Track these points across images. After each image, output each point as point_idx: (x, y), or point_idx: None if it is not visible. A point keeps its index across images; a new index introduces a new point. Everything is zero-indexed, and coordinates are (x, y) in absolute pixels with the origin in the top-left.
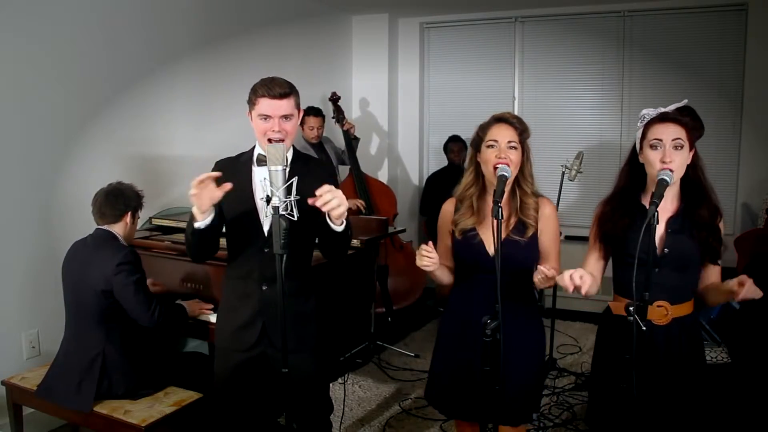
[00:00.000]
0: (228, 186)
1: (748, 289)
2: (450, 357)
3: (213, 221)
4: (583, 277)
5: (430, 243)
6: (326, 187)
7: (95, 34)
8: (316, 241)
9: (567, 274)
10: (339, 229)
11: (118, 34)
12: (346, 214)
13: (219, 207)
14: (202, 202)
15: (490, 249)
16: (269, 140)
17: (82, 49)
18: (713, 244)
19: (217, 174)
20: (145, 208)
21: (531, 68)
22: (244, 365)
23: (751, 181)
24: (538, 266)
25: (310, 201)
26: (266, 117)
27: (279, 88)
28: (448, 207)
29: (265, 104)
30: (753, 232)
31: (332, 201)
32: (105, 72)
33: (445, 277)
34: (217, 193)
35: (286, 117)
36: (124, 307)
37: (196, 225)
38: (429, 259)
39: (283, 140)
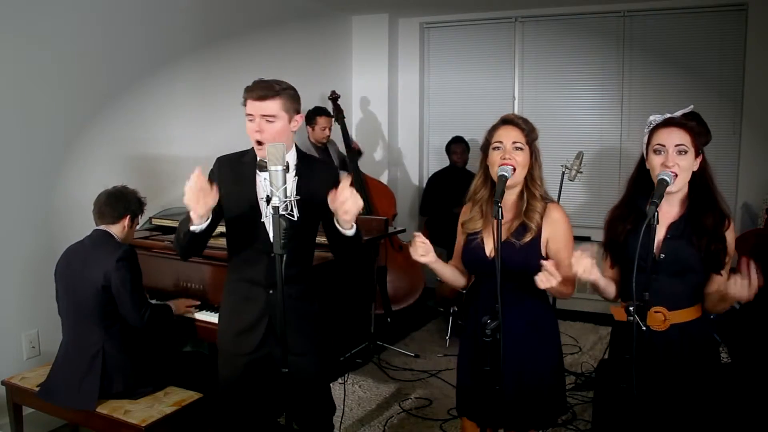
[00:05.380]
0: (215, 190)
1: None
2: (464, 360)
3: (209, 225)
4: (581, 260)
5: (421, 234)
6: (347, 187)
7: (95, 34)
8: (316, 241)
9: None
10: (350, 233)
11: (118, 34)
12: (354, 219)
13: (218, 207)
14: (198, 210)
15: (488, 250)
16: (257, 142)
17: (82, 49)
18: (715, 252)
19: (200, 175)
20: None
21: (531, 68)
22: (249, 368)
23: (751, 181)
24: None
25: (330, 195)
26: (251, 118)
27: (260, 90)
28: (465, 210)
29: (249, 105)
30: (753, 232)
31: (347, 202)
32: (105, 72)
33: (449, 274)
34: (211, 200)
35: (267, 119)
36: (117, 302)
37: (193, 228)
38: (422, 246)
39: (262, 143)
